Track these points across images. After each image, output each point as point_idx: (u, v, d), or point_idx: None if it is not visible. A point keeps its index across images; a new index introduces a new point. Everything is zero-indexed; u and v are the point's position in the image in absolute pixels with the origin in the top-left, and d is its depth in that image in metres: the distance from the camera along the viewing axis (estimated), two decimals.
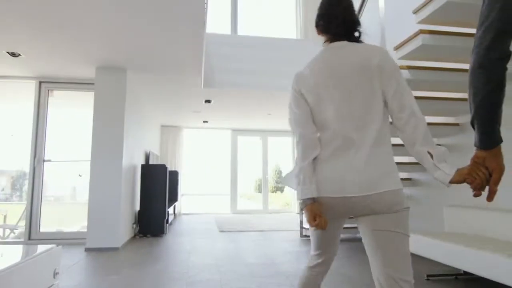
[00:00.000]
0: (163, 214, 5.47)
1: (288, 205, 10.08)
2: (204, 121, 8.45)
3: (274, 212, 9.23)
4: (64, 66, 4.54)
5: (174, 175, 8.07)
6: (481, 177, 1.06)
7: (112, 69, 4.61)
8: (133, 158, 5.28)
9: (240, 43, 5.75)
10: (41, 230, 4.83)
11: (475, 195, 1.09)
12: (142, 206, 5.41)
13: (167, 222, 5.65)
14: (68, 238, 4.81)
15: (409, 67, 2.83)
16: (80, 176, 5.10)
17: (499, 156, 1.05)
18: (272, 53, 5.75)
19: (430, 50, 2.67)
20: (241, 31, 6.33)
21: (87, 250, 4.28)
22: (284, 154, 9.92)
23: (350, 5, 1.38)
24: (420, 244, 3.06)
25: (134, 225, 5.34)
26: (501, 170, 1.05)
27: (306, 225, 5.25)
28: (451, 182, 1.12)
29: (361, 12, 3.62)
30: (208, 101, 6.35)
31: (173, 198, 7.78)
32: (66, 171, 5.20)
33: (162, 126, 9.04)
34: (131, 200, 5.17)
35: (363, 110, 1.25)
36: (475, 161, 1.08)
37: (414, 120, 1.19)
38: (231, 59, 5.58)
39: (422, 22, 2.62)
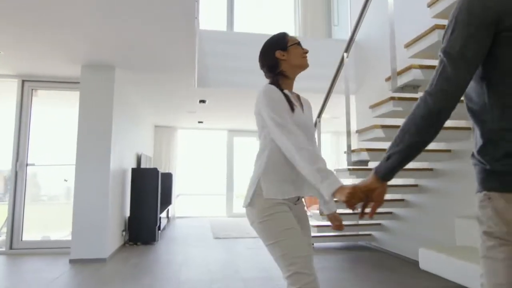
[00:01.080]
0: (155, 221, 5.18)
1: None
2: (199, 122, 8.17)
3: None
4: (48, 64, 4.24)
5: (168, 177, 7.77)
6: (358, 202, 1.17)
7: (99, 67, 4.32)
8: (122, 162, 4.99)
9: (237, 41, 5.47)
10: (25, 238, 4.54)
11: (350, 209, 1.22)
12: (132, 212, 5.13)
13: (159, 228, 5.37)
14: (52, 247, 4.52)
15: (421, 67, 2.56)
16: (66, 181, 4.80)
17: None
18: None
19: None
20: (237, 28, 6.04)
21: (72, 261, 3.99)
22: None
23: (260, 57, 1.67)
24: (431, 260, 2.80)
25: (124, 233, 5.05)
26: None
27: None
28: (334, 197, 1.24)
29: (365, 9, 3.34)
30: (202, 101, 6.07)
31: (167, 201, 7.49)
32: (57, 173, 4.92)
33: (156, 126, 8.75)
34: (120, 206, 4.88)
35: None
36: (359, 187, 1.16)
37: (290, 156, 1.36)
38: (227, 57, 5.29)
39: (437, 16, 2.36)
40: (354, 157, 3.46)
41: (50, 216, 5.03)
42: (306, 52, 1.61)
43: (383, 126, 3.14)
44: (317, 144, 1.79)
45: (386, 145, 3.49)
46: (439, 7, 2.32)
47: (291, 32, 6.86)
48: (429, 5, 2.40)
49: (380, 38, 4.89)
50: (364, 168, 3.59)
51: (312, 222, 4.82)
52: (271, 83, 1.55)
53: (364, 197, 1.16)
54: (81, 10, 2.95)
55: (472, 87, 1.02)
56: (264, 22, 6.75)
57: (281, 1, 7.11)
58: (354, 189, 1.17)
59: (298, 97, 1.65)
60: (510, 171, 0.91)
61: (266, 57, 1.62)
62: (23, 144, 4.61)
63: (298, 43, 1.61)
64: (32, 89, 4.73)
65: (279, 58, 1.58)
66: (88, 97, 4.28)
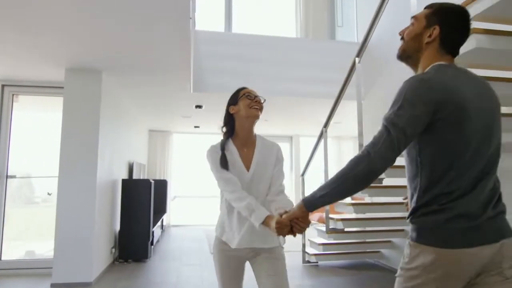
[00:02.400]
0: (147, 236, 4.81)
1: None
2: (195, 126, 7.80)
3: None
4: (29, 67, 3.86)
5: (162, 184, 7.40)
6: (287, 230, 1.41)
7: (84, 71, 3.93)
8: (112, 172, 4.60)
9: (235, 42, 5.11)
10: (8, 249, 4.17)
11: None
12: (123, 226, 4.74)
13: (151, 243, 4.99)
14: (34, 268, 4.12)
15: None
16: (49, 194, 4.42)
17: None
18: (269, 53, 5.12)
19: (485, 55, 2.05)
20: (236, 29, 5.68)
21: (54, 286, 3.61)
22: None
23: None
24: None
25: (113, 249, 4.66)
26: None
27: (310, 249, 4.65)
28: (265, 225, 1.50)
29: (382, 9, 3.00)
30: (199, 107, 5.70)
31: (161, 210, 7.12)
32: (42, 183, 4.55)
33: (150, 130, 8.37)
34: (109, 220, 4.50)
35: None
36: (286, 218, 1.40)
37: (229, 199, 1.68)
38: (225, 59, 4.93)
39: (475, 19, 2.01)
40: None
41: (43, 218, 4.60)
42: (257, 101, 1.70)
43: None
44: (276, 189, 1.73)
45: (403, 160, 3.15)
46: (478, 8, 1.97)
47: (292, 33, 6.52)
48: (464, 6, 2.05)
49: (390, 41, 4.53)
50: (378, 186, 3.24)
51: (317, 239, 4.47)
52: (223, 137, 1.73)
53: (290, 224, 1.39)
54: (64, 10, 2.60)
55: (411, 161, 1.19)
56: (264, 22, 6.39)
57: (282, 0, 6.76)
58: (280, 222, 1.41)
59: (253, 144, 1.72)
60: (423, 227, 1.13)
61: (225, 113, 1.75)
62: (3, 154, 4.22)
63: (247, 95, 1.69)
64: (12, 94, 4.35)
65: (232, 113, 1.71)
66: (73, 102, 3.91)
